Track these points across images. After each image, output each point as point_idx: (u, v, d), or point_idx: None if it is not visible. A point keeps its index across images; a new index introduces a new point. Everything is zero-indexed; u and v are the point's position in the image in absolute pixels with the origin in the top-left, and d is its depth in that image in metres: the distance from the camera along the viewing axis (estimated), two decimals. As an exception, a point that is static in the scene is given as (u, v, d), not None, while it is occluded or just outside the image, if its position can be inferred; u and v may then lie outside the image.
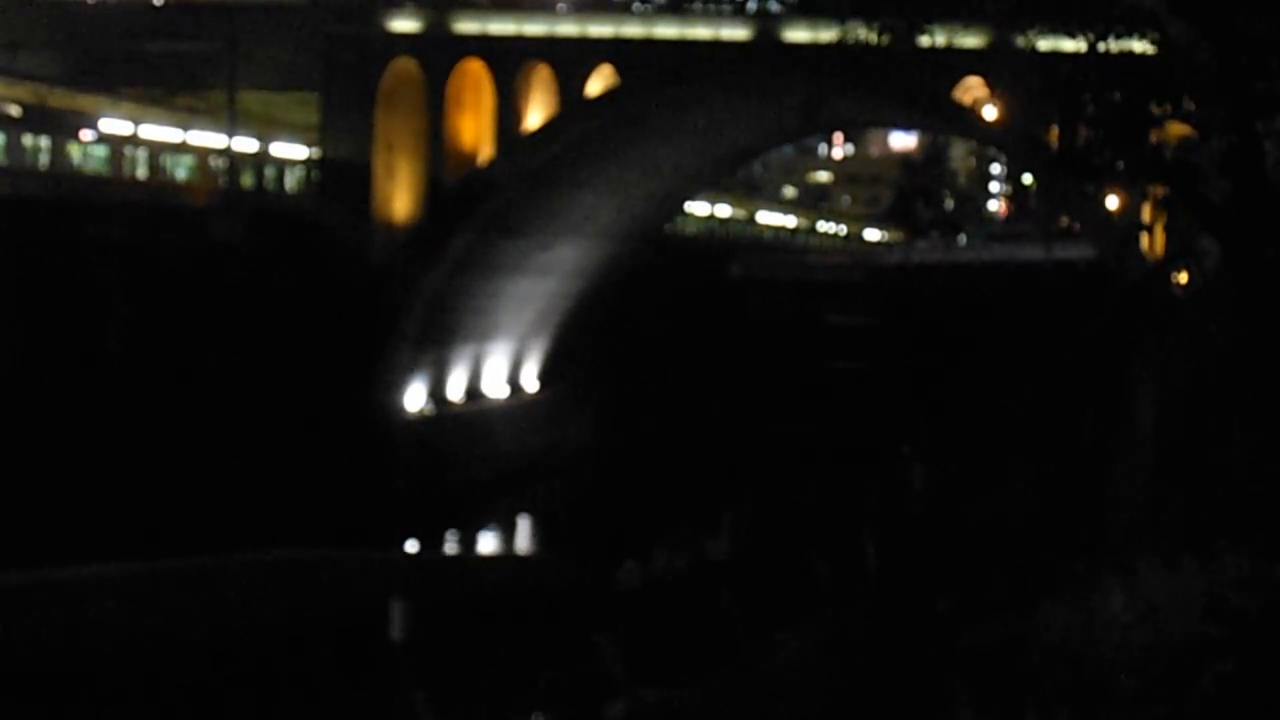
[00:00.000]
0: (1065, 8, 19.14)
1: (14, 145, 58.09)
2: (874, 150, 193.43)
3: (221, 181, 67.46)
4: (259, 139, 70.19)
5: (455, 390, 70.77)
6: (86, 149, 62.10)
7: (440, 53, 66.11)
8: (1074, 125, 19.69)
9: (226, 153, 67.02)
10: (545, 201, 69.26)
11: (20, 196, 55.29)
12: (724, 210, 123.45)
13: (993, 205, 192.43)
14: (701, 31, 65.67)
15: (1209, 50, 17.72)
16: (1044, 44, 21.46)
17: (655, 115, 67.81)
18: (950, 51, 57.30)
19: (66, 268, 53.71)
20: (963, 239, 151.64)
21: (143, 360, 54.30)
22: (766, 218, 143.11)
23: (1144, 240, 55.50)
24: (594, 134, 66.57)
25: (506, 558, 59.73)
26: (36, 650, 32.35)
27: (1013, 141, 64.29)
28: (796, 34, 63.67)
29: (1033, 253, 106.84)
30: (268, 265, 61.07)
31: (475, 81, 66.00)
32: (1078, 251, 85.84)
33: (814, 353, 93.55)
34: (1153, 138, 19.51)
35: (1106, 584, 11.36)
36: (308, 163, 71.84)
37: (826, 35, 59.19)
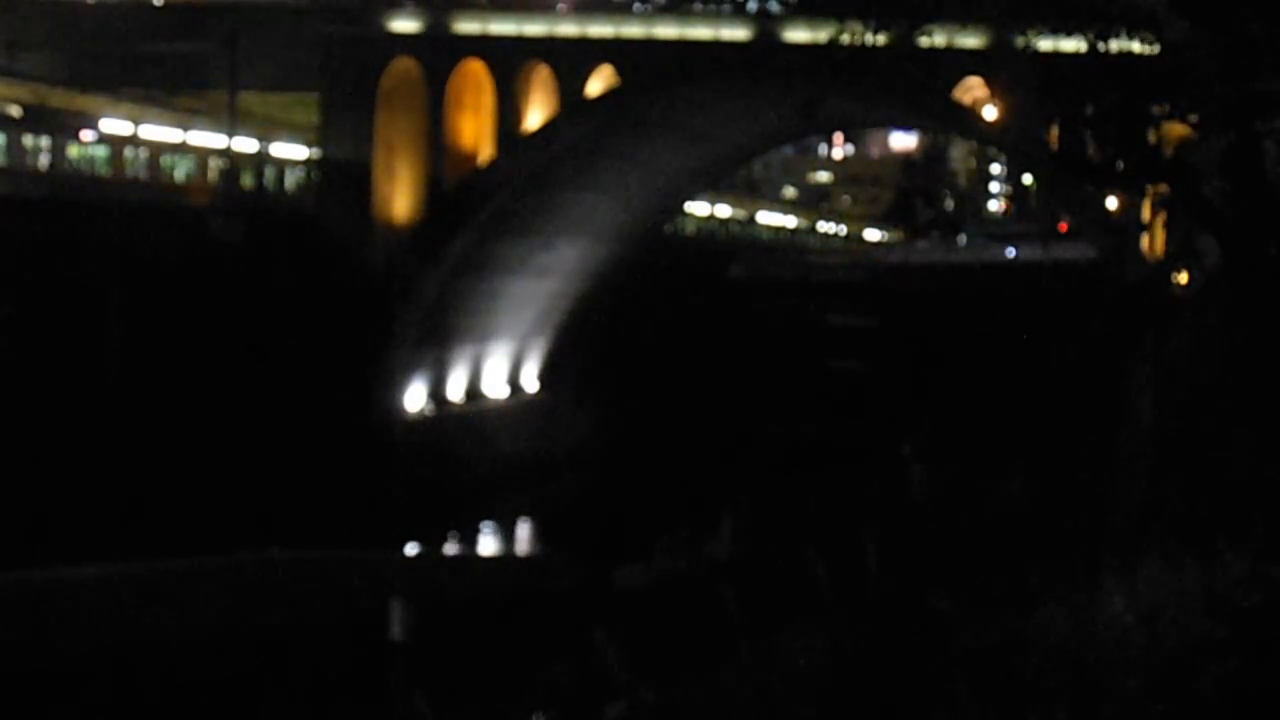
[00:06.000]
0: (1065, 8, 19.14)
1: (14, 145, 58.12)
2: (874, 150, 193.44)
3: (221, 181, 67.50)
4: (259, 139, 70.23)
5: (455, 390, 70.76)
6: (86, 149, 62.14)
7: (440, 53, 66.10)
8: (1074, 125, 19.69)
9: (226, 153, 67.05)
10: (545, 201, 69.25)
11: (20, 196, 55.32)
12: (724, 210, 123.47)
13: (993, 205, 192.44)
14: (701, 31, 65.68)
15: (1209, 50, 17.72)
16: (1044, 44, 21.46)
17: (655, 115, 67.81)
18: (950, 51, 57.39)
19: (66, 267, 53.71)
20: (963, 239, 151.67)
21: (142, 360, 54.29)
22: (766, 218, 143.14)
23: (1144, 240, 55.50)
24: (594, 134, 66.58)
25: (506, 558, 59.71)
26: (36, 650, 32.34)
27: (1013, 141, 64.27)
28: (796, 34, 63.67)
29: (1033, 253, 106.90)
30: (268, 265, 61.06)
31: (475, 81, 65.99)
32: (1078, 251, 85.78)
33: (814, 353, 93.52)
34: (1152, 138, 19.51)
35: (1106, 584, 11.36)
36: (308, 163, 71.86)
37: (826, 35, 59.19)
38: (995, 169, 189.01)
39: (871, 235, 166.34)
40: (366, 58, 66.04)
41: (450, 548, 58.47)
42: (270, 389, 56.69)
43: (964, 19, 50.97)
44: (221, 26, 71.55)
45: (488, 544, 61.98)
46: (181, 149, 66.99)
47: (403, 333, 66.07)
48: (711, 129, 71.88)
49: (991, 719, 9.75)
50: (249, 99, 70.40)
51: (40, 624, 33.10)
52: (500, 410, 73.50)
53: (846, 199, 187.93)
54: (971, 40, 57.97)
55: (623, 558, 41.95)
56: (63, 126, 60.74)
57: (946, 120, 71.20)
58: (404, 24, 66.97)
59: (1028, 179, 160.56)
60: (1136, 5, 18.60)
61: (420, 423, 67.16)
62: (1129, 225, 54.94)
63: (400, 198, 66.31)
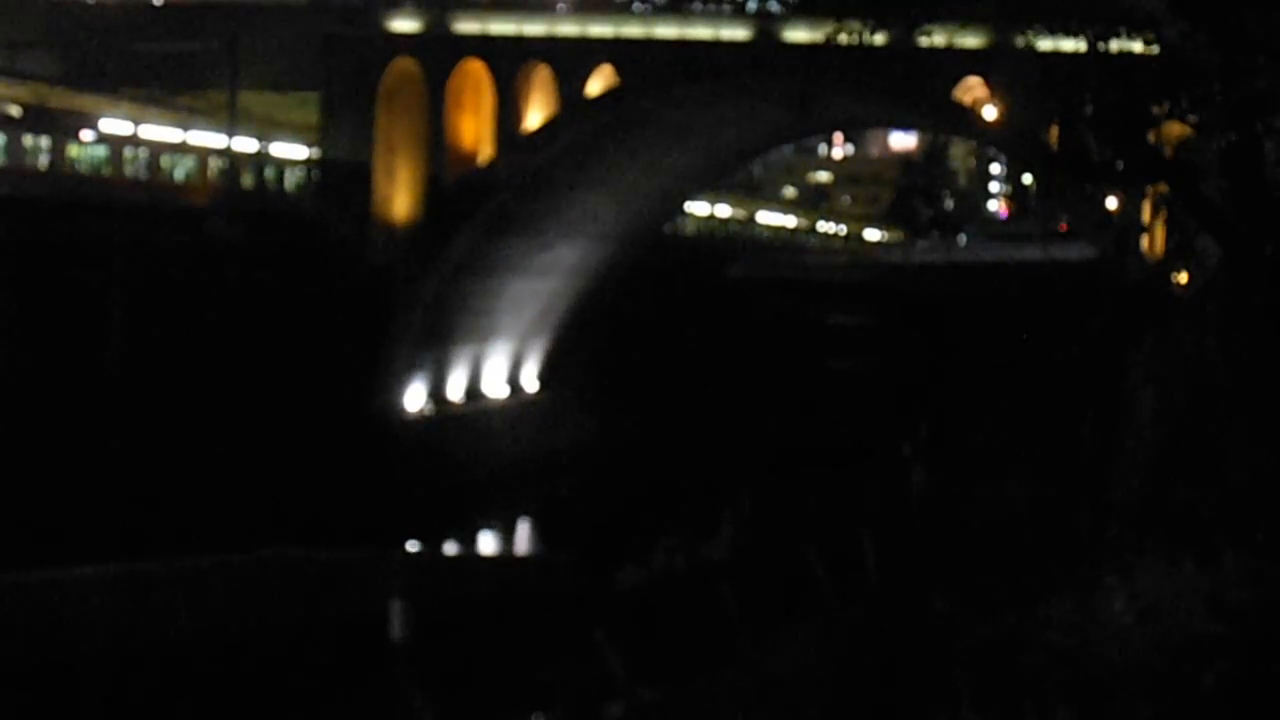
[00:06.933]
0: (1065, 8, 19.16)
1: (14, 145, 58.11)
2: (874, 150, 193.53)
3: (221, 181, 67.51)
4: (259, 139, 70.22)
5: (455, 390, 70.77)
6: (86, 149, 62.13)
7: (440, 53, 66.12)
8: (1074, 125, 19.70)
9: (226, 153, 67.05)
10: (545, 201, 69.25)
11: (20, 196, 55.32)
12: (724, 210, 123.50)
13: (993, 205, 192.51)
14: (701, 31, 65.68)
15: (1209, 50, 17.73)
16: (1044, 44, 21.48)
17: (655, 115, 67.81)
18: (950, 51, 57.40)
19: (66, 268, 53.71)
20: (963, 239, 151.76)
21: (143, 360, 54.30)
22: (766, 218, 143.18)
23: (1144, 240, 55.49)
24: (594, 134, 66.58)
25: (506, 558, 59.72)
26: (36, 650, 32.35)
27: (1013, 141, 64.27)
28: (796, 34, 63.67)
29: (1033, 253, 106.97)
30: (268, 265, 61.07)
31: (475, 81, 66.00)
32: (1078, 251, 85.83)
33: (814, 353, 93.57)
34: (1152, 137, 19.52)
35: (1106, 584, 11.36)
36: (308, 163, 71.87)
37: (826, 35, 59.08)
38: (995, 169, 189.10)
39: (871, 235, 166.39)
40: (366, 58, 66.07)
41: (450, 548, 58.45)
42: (270, 388, 56.70)
43: (964, 19, 51.00)
44: (221, 26, 71.68)
45: (488, 544, 61.98)
46: (181, 149, 66.97)
47: (402, 332, 66.07)
48: (711, 129, 71.88)
49: (991, 719, 9.75)
50: (249, 99, 70.42)
51: (40, 624, 33.10)
52: (500, 410, 73.50)
53: (846, 199, 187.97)
54: (971, 40, 57.97)
55: (623, 557, 41.93)
56: (63, 126, 60.73)
57: (946, 120, 71.19)
58: (404, 24, 66.98)
59: (1028, 179, 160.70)
60: (1136, 5, 18.61)
61: (420, 422, 67.17)
62: (1129, 225, 54.91)
63: (400, 198, 66.32)
